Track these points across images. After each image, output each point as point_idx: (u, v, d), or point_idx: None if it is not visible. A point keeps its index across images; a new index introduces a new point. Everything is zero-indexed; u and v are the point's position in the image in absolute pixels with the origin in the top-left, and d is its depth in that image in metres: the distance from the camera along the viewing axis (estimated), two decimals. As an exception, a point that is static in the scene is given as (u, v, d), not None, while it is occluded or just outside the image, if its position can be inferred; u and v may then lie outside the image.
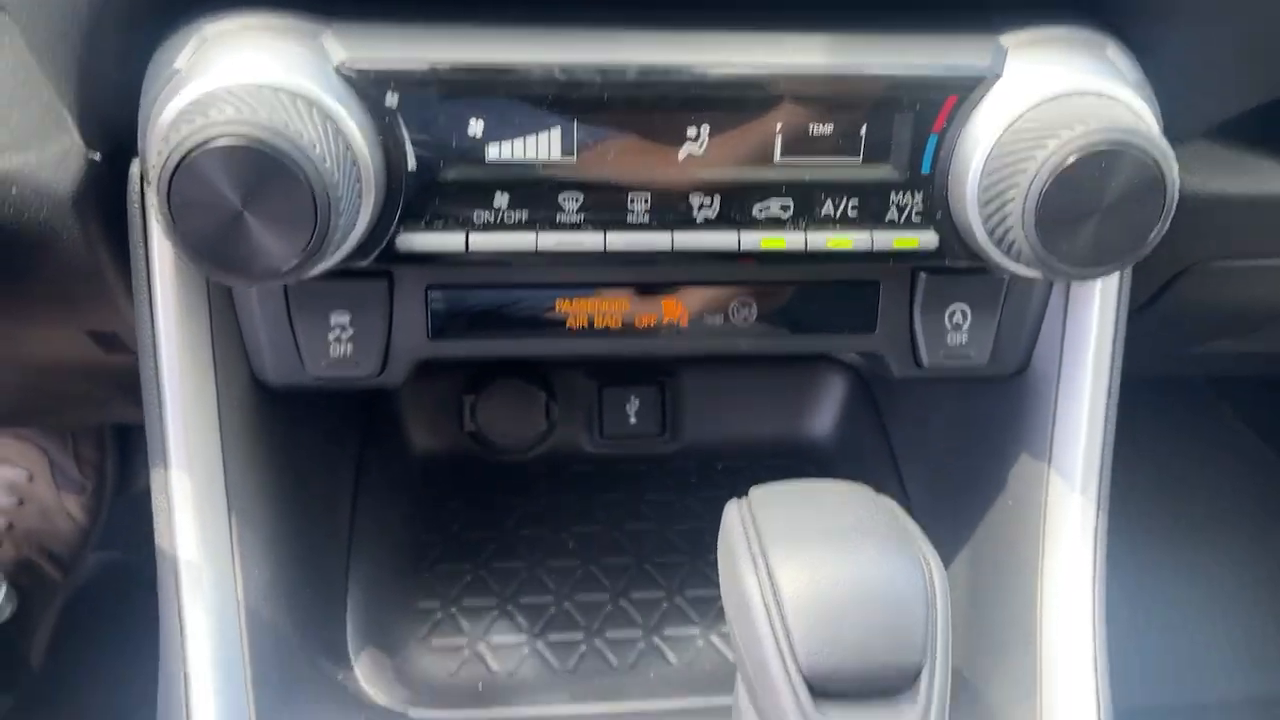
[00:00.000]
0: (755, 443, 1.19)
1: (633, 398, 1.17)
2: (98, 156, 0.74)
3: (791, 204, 0.74)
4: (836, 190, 0.74)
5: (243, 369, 0.83)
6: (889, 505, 0.66)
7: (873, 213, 0.74)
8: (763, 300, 0.84)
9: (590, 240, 0.73)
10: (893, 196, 0.74)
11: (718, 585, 0.64)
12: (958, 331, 0.85)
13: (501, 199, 0.72)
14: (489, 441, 1.14)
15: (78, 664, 1.85)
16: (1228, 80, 0.77)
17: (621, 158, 0.72)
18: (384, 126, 0.69)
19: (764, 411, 1.20)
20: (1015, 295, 0.85)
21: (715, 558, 0.64)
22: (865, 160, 0.73)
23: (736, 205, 0.74)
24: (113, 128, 0.73)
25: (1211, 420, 2.33)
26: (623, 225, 0.74)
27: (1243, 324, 1.08)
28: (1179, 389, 2.26)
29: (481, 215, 0.73)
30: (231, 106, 0.61)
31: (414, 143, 0.70)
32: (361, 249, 0.71)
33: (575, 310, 0.83)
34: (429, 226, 0.72)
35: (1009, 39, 0.72)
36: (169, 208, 0.62)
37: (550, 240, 0.73)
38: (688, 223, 0.74)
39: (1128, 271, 0.83)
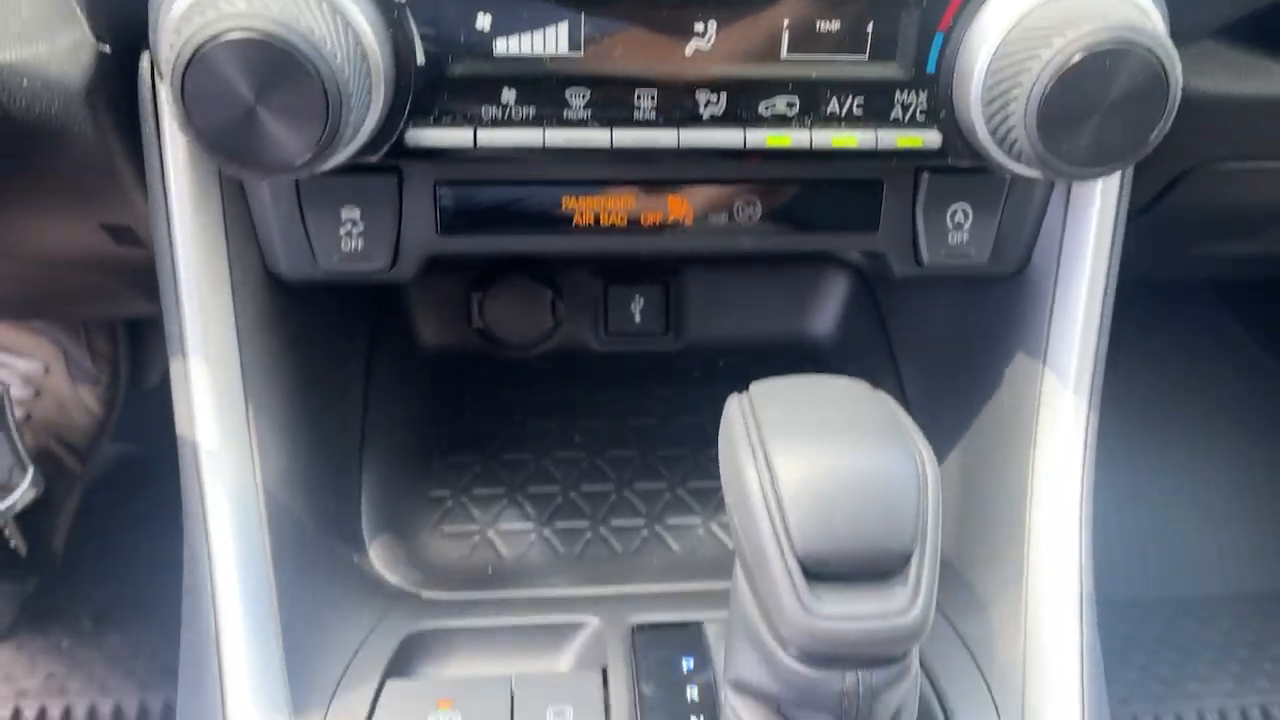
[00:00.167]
0: (758, 341, 1.21)
1: (638, 296, 1.18)
2: (108, 49, 0.74)
3: (797, 101, 0.75)
4: (842, 88, 0.74)
5: (256, 262, 0.85)
6: (885, 399, 0.68)
7: (877, 111, 0.75)
8: (767, 199, 0.85)
9: (597, 137, 0.74)
10: (897, 95, 0.75)
11: (718, 478, 0.66)
12: (959, 231, 0.86)
13: (509, 94, 0.73)
14: (496, 338, 1.17)
15: (97, 549, 1.91)
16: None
17: (628, 53, 0.72)
18: (393, 21, 0.69)
19: (767, 310, 1.22)
20: (1017, 195, 0.86)
21: (716, 452, 0.67)
22: (871, 57, 0.74)
23: (743, 102, 0.75)
24: (122, 20, 0.73)
25: (1212, 326, 2.35)
26: (629, 122, 0.74)
27: (1244, 226, 1.09)
28: (1182, 294, 2.27)
29: (489, 111, 0.73)
30: (243, 0, 0.62)
31: (422, 37, 0.70)
32: (371, 144, 0.72)
33: (582, 207, 0.84)
34: (437, 122, 0.73)
35: None
36: (183, 101, 0.63)
37: (557, 136, 0.74)
38: (694, 120, 0.75)
39: (1129, 173, 0.83)
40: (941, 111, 0.75)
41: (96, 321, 1.80)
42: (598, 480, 1.06)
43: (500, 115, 0.74)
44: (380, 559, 0.94)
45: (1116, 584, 2.11)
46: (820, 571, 0.59)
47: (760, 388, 0.68)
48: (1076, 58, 0.65)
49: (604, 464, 1.08)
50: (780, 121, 0.75)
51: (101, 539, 1.91)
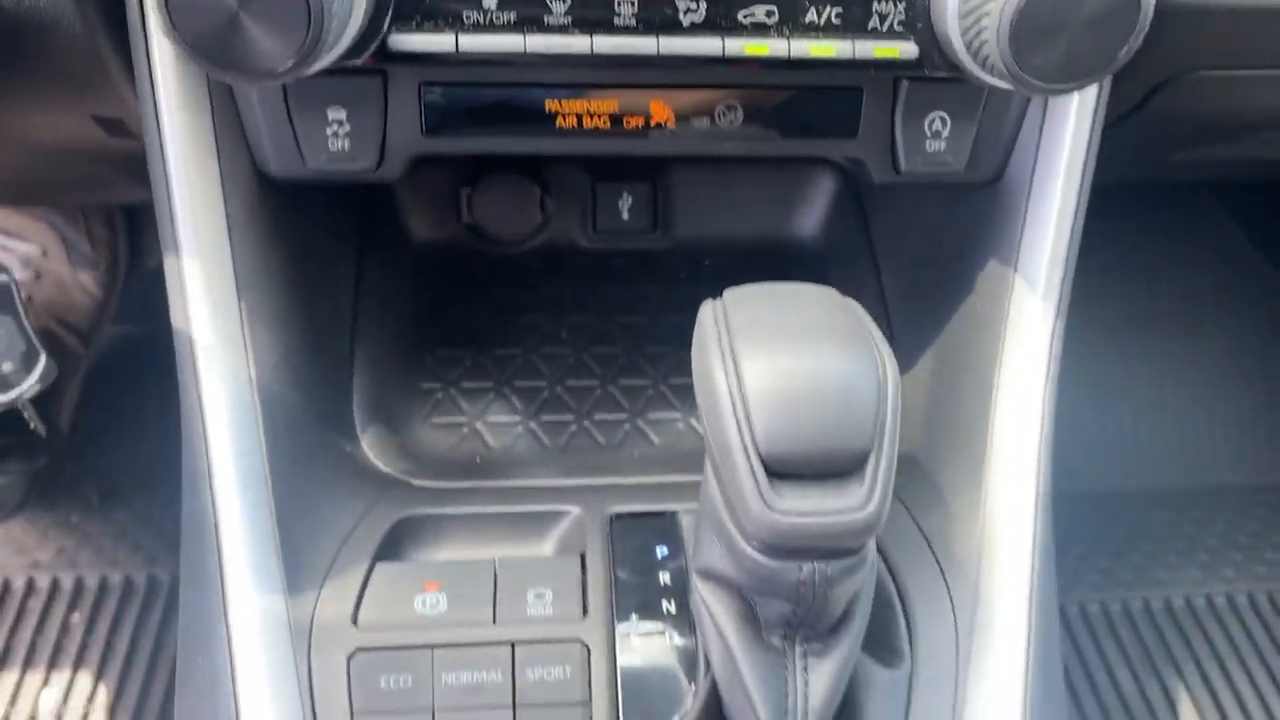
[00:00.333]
0: (744, 241, 1.22)
1: (625, 194, 1.19)
2: None
3: (776, 10, 0.75)
4: None
5: (245, 160, 0.86)
6: (852, 306, 0.70)
7: (855, 21, 0.76)
8: (748, 104, 0.86)
9: (577, 43, 0.75)
10: (875, 5, 0.75)
11: None
12: (936, 139, 0.87)
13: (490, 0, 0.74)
14: (485, 234, 1.18)
15: (102, 428, 1.96)
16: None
17: (609, -42, 0.73)
18: None
19: (754, 211, 1.23)
20: (994, 105, 0.87)
21: None
22: None
23: (722, 10, 0.75)
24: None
25: (1209, 227, 2.35)
26: (609, 28, 0.75)
27: (1226, 133, 1.10)
28: (1181, 196, 2.27)
29: (471, 16, 0.74)
30: (223, -95, 0.62)
31: (404, -60, 0.71)
32: (355, 49, 0.73)
33: (565, 110, 0.85)
34: (420, 27, 0.74)
35: None
36: (166, 7, 0.64)
37: (538, 42, 0.75)
38: (674, 27, 0.75)
39: (1106, 84, 0.84)
40: (918, 23, 0.75)
41: (94, 207, 1.81)
42: (583, 376, 1.09)
43: (482, 20, 0.74)
44: (372, 448, 0.98)
45: (1095, 475, 2.17)
46: (781, 469, 0.63)
47: (732, 294, 0.70)
48: (1052, -28, 0.66)
49: (590, 360, 1.11)
50: (759, 30, 0.75)
51: (106, 418, 1.96)
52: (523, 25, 0.74)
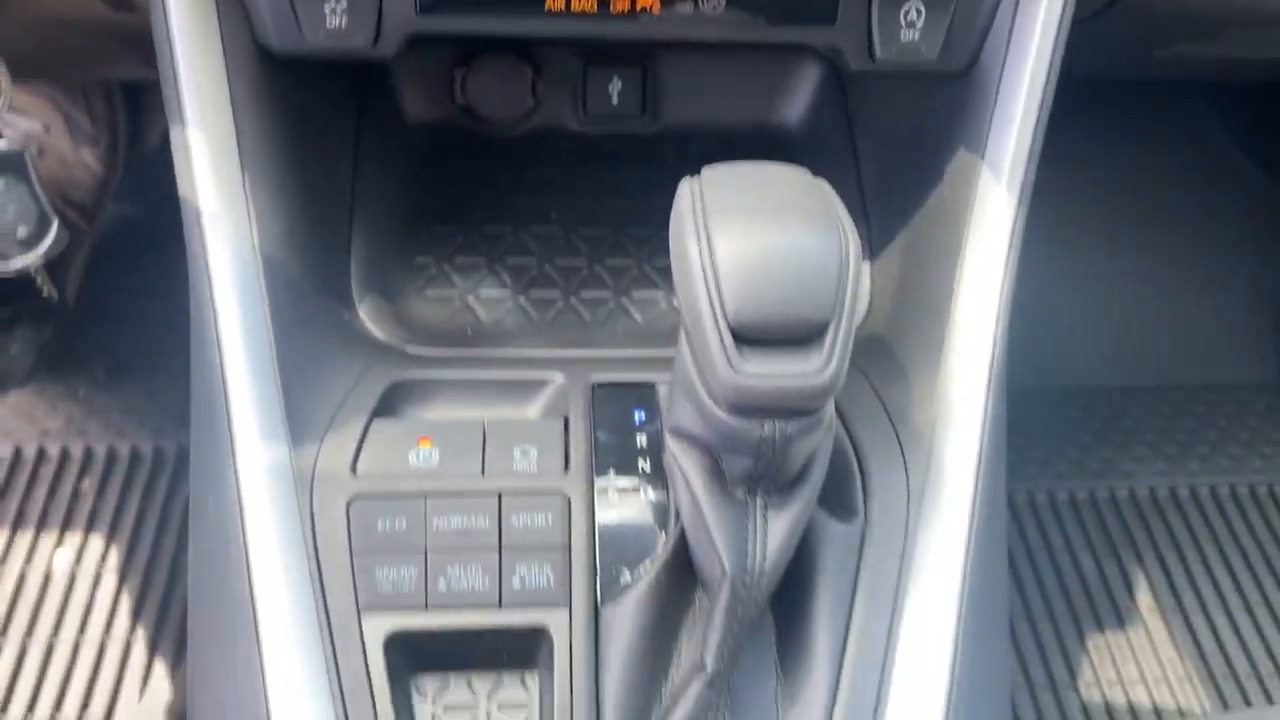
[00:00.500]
0: (731, 127, 1.25)
1: (616, 79, 1.22)
2: None
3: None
4: None
5: (247, 35, 0.90)
6: (821, 186, 0.74)
7: (833, -92, 0.78)
8: None
9: None
10: None
11: None
12: (911, 29, 0.91)
13: None
14: (478, 115, 1.21)
15: (107, 304, 2.01)
16: None
17: None
18: None
19: (741, 99, 1.25)
20: (967, -5, 0.90)
21: None
22: None
23: None
24: None
25: (1192, 126, 2.37)
26: None
27: (1203, 30, 1.12)
28: (1165, 91, 2.28)
29: (463, -105, 0.77)
30: None
31: None
32: None
33: (554, -9, 0.88)
34: (414, -95, 0.77)
35: None
36: None
37: None
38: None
39: None
40: (894, -90, 0.78)
41: (94, 84, 1.82)
42: (571, 255, 1.14)
43: (474, -100, 0.77)
44: (368, 317, 1.02)
45: (1069, 371, 2.23)
46: (748, 336, 0.67)
47: (710, 172, 0.74)
48: None
49: (578, 239, 1.15)
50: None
51: (110, 296, 2.01)
52: None
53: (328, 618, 0.79)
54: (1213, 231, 2.32)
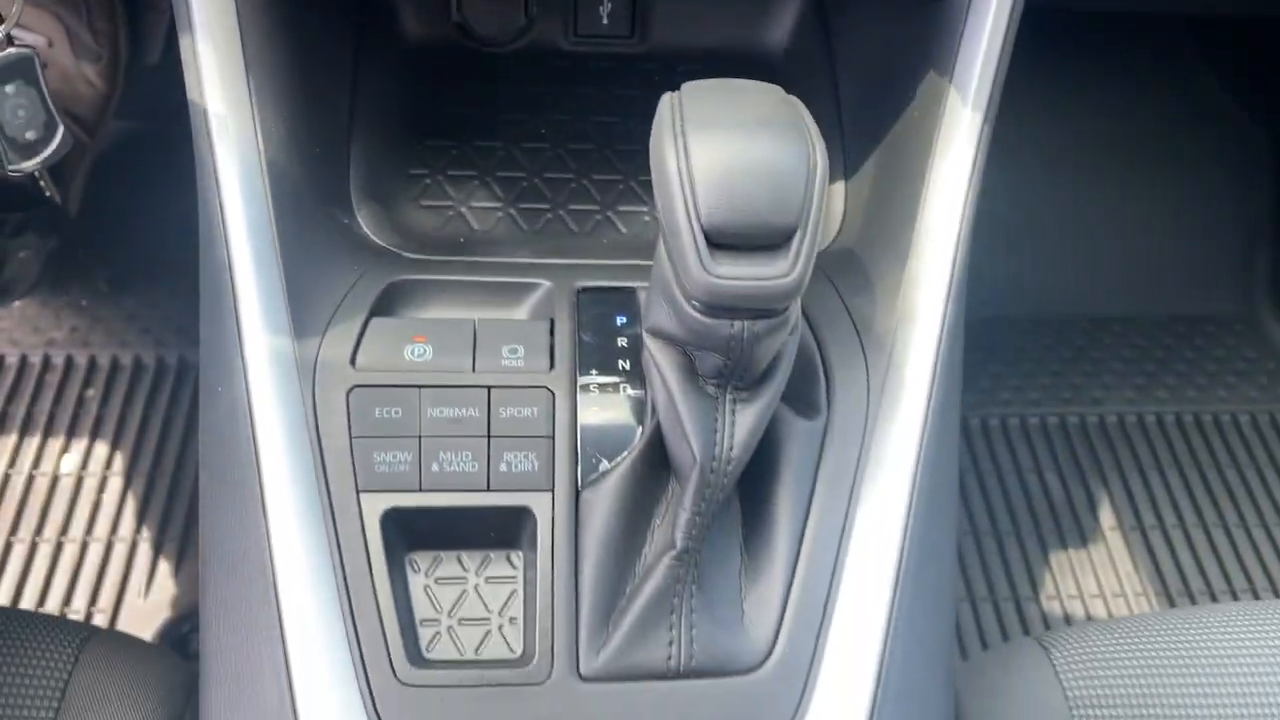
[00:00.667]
0: (715, 49, 1.29)
1: (606, 1, 1.26)
2: None
3: None
4: None
5: None
6: (794, 102, 0.79)
7: None
8: None
9: None
10: None
11: None
12: (885, -48, 0.95)
13: None
14: (473, 32, 1.25)
15: (108, 218, 2.05)
16: None
17: None
18: None
19: (726, 22, 1.29)
20: (941, -81, 0.94)
21: None
22: None
23: None
24: None
25: (1177, 59, 2.40)
26: None
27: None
28: (1165, 37, 2.31)
29: None
30: None
31: None
32: None
33: (545, -92, 0.91)
34: None
35: None
36: None
37: None
38: None
39: None
40: None
41: (97, 1, 1.85)
42: (560, 169, 1.18)
43: None
44: (367, 224, 1.07)
45: (1043, 300, 2.29)
46: (720, 240, 0.72)
47: (690, 87, 0.79)
48: None
49: (566, 155, 1.20)
50: None
51: (113, 209, 2.05)
52: None
53: (329, 495, 0.86)
54: (1190, 167, 2.37)
